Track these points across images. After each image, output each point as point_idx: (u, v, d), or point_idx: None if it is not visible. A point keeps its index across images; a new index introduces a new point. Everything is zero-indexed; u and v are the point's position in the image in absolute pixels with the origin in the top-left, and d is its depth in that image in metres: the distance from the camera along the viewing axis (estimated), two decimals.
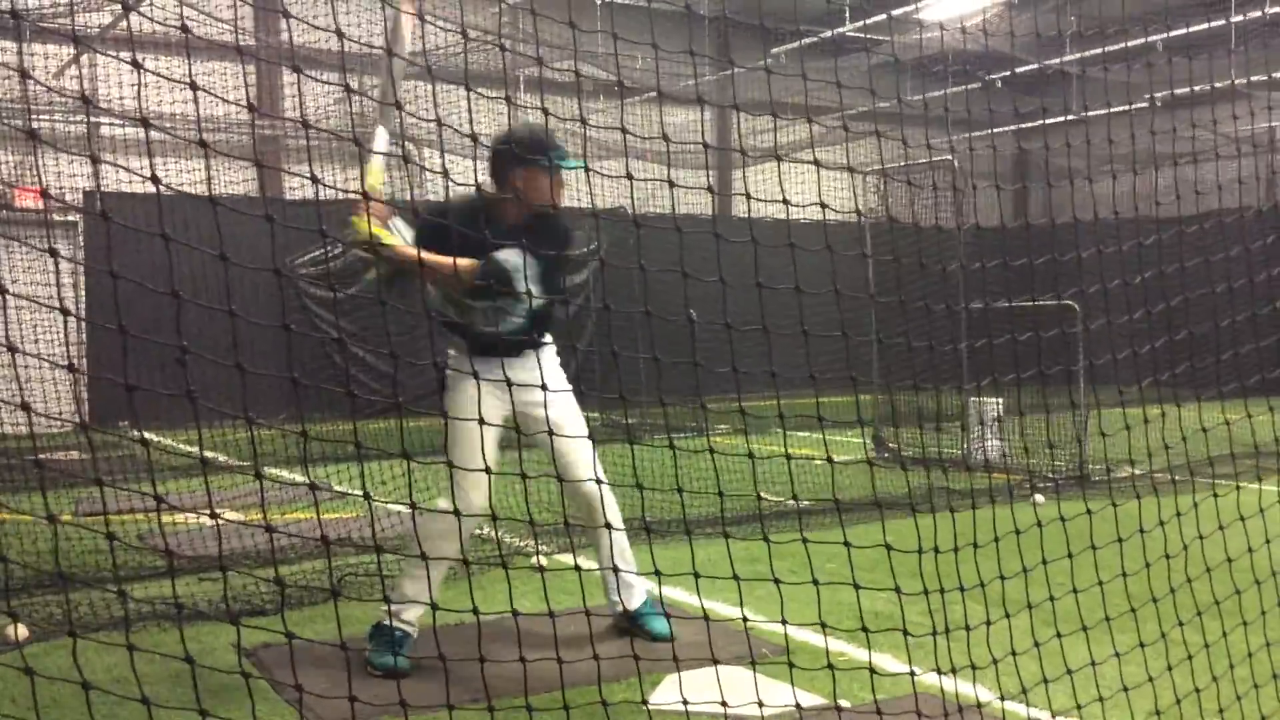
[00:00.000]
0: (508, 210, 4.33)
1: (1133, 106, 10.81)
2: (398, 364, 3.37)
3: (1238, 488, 4.25)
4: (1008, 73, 16.63)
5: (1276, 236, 5.77)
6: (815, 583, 3.11)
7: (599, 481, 4.07)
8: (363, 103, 13.75)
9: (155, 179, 2.15)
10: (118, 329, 2.19)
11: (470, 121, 3.02)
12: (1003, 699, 3.55)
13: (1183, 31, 14.71)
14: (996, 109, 15.54)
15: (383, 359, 13.74)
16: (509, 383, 3.25)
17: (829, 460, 3.42)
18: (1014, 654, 3.38)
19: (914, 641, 3.73)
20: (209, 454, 8.35)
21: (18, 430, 9.50)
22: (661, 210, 4.35)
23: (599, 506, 4.34)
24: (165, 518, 6.98)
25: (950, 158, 11.22)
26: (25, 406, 2.09)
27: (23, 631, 4.57)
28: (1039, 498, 7.84)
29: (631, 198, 3.26)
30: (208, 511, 2.40)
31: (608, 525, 4.35)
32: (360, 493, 2.50)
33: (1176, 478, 4.18)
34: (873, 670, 3.45)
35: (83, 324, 12.37)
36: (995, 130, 17.32)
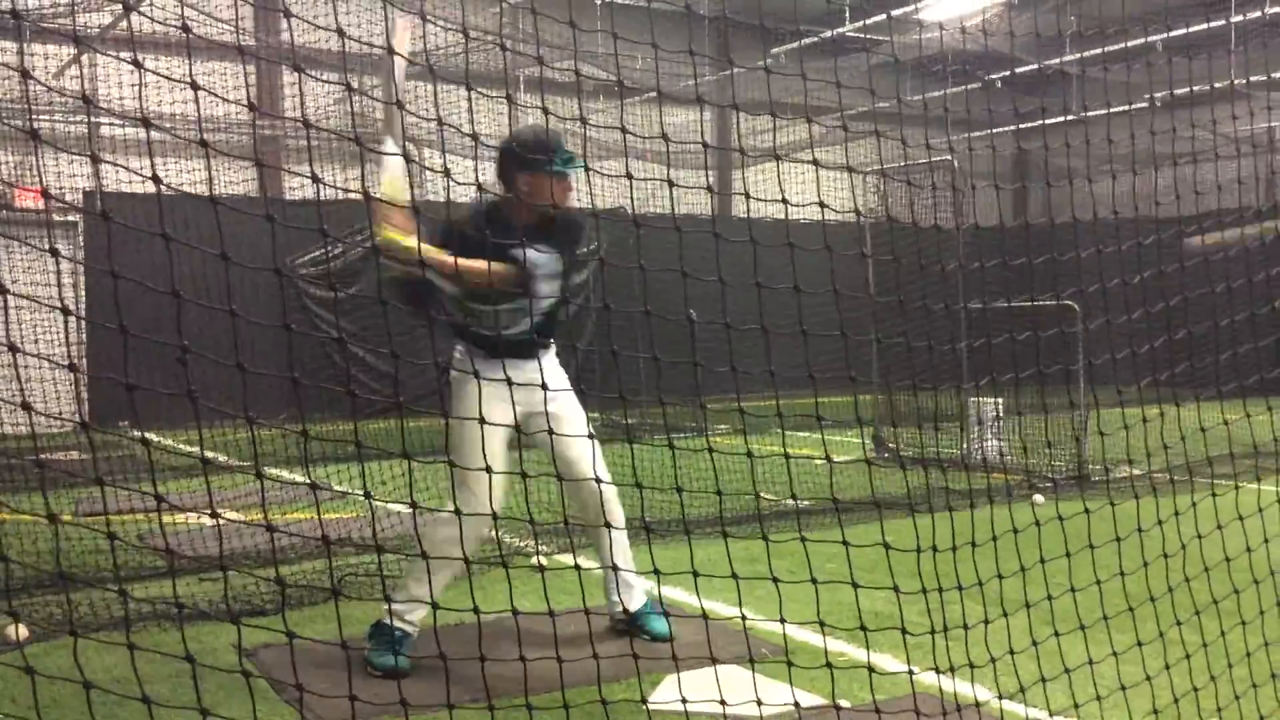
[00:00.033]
0: (520, 210, 4.32)
1: (1133, 106, 10.81)
2: (398, 364, 3.36)
3: (1236, 488, 4.26)
4: (1007, 73, 16.63)
5: (1276, 237, 5.77)
6: (814, 581, 3.12)
7: (599, 480, 4.07)
8: (363, 102, 13.77)
9: (156, 179, 2.15)
10: (118, 328, 2.20)
11: (471, 121, 3.03)
12: (1001, 698, 3.55)
13: (1183, 32, 14.71)
14: (996, 109, 15.54)
15: (383, 359, 13.75)
16: (511, 384, 3.24)
17: (827, 459, 3.42)
18: (1012, 653, 3.38)
19: (913, 641, 3.73)
20: (209, 454, 8.35)
21: (18, 430, 9.51)
22: (661, 210, 4.35)
23: (603, 506, 4.35)
24: (165, 518, 6.98)
25: (950, 158, 11.23)
26: (26, 406, 2.09)
27: (23, 632, 4.58)
28: (1038, 498, 7.85)
29: (631, 198, 3.26)
30: (208, 511, 2.40)
31: (607, 525, 4.36)
32: (361, 493, 2.50)
33: (1175, 478, 4.18)
34: (871, 669, 3.46)
35: (82, 325, 12.37)
36: (995, 130, 17.32)
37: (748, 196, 3.25)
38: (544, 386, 3.66)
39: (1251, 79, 14.56)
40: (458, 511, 3.38)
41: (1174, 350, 4.40)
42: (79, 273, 13.18)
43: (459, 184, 2.75)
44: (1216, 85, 11.18)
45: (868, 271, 9.85)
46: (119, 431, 11.20)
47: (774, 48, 16.04)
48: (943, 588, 3.24)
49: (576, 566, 4.62)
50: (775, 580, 3.02)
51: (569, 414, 4.41)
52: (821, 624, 3.20)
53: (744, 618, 3.38)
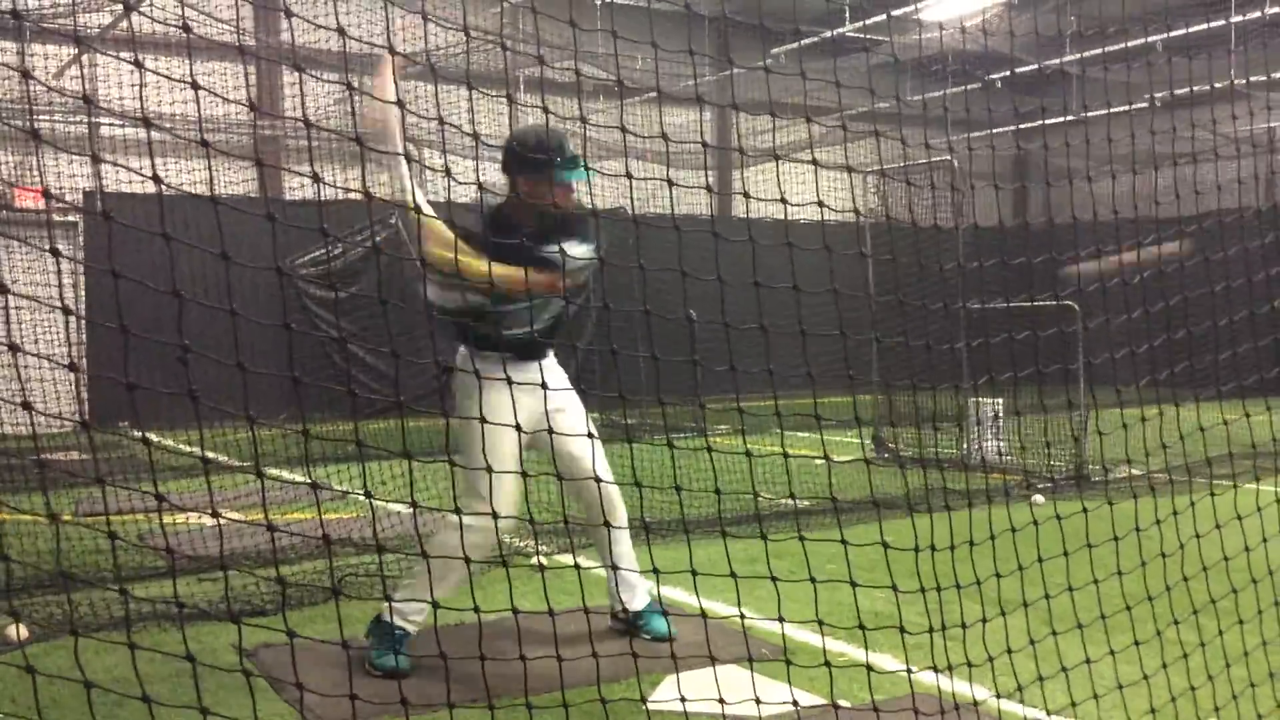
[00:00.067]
0: (524, 210, 4.32)
1: (1132, 107, 10.82)
2: (398, 364, 3.34)
3: (1235, 488, 4.26)
4: (1007, 73, 16.63)
5: (1276, 236, 5.77)
6: (812, 580, 3.12)
7: (598, 480, 4.07)
8: (363, 102, 13.75)
9: (157, 179, 2.15)
10: (119, 328, 2.20)
11: (472, 122, 3.03)
12: (999, 697, 3.55)
13: (1183, 32, 14.71)
14: (996, 109, 15.54)
15: (382, 359, 13.76)
16: (510, 384, 3.23)
17: (826, 458, 3.42)
18: (1010, 652, 3.39)
19: (911, 641, 3.73)
20: (209, 455, 8.36)
21: (18, 430, 9.51)
22: (661, 210, 4.35)
23: (604, 505, 4.35)
24: (166, 518, 6.98)
25: (949, 158, 11.23)
26: (27, 406, 2.10)
27: (23, 632, 4.58)
28: (1038, 498, 7.85)
29: (631, 198, 3.27)
30: (209, 510, 2.41)
31: (606, 524, 4.36)
32: (361, 493, 2.51)
33: (1174, 478, 4.19)
34: (869, 668, 3.46)
35: (82, 325, 12.37)
36: (995, 130, 17.32)
37: (747, 196, 3.25)
38: (544, 385, 3.66)
39: (1251, 79, 14.57)
40: (458, 510, 3.38)
41: (1173, 350, 4.41)
42: (79, 272, 13.19)
43: (459, 183, 2.75)
44: (1216, 85, 11.17)
45: (868, 272, 9.85)
46: (119, 431, 11.21)
47: (774, 48, 16.04)
48: (941, 587, 3.25)
49: (576, 566, 4.62)
50: (774, 579, 3.02)
51: (572, 412, 4.41)
52: (820, 623, 3.21)
53: (742, 616, 3.38)
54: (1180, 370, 4.17)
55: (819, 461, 8.83)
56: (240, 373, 2.29)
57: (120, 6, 10.97)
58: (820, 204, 3.33)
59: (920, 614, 3.42)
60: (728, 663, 3.79)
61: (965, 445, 9.72)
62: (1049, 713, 3.62)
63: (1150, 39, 15.04)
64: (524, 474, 3.35)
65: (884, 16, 13.73)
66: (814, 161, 3.39)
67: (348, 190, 2.74)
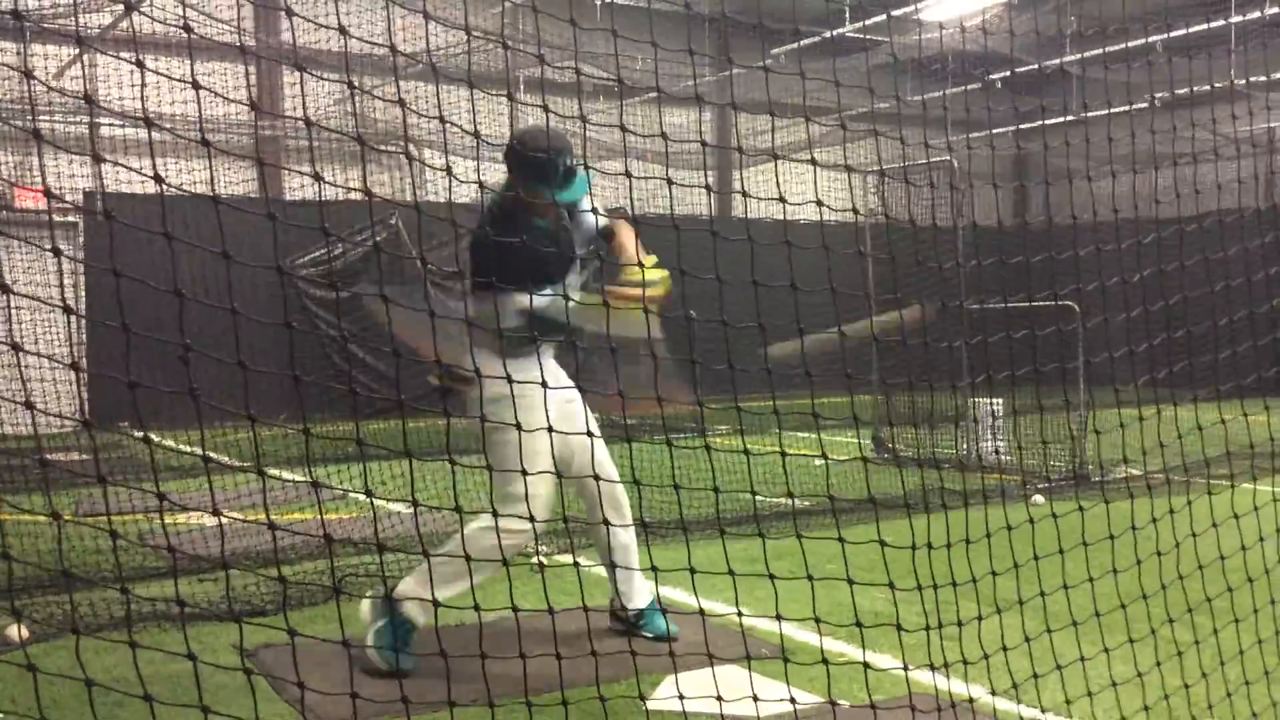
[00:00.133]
0: (547, 205, 4.31)
1: (1133, 107, 10.83)
2: (398, 364, 3.31)
3: (1232, 487, 4.27)
4: (1008, 73, 16.63)
5: (1275, 236, 5.78)
6: (810, 578, 3.13)
7: (597, 478, 4.07)
8: (363, 102, 13.77)
9: (158, 178, 2.16)
10: (120, 326, 2.21)
11: (474, 121, 3.04)
12: (994, 695, 3.56)
13: (1183, 32, 14.71)
14: (996, 109, 15.55)
15: (382, 359, 13.76)
16: (512, 383, 3.21)
17: (824, 457, 3.43)
18: (1005, 650, 3.40)
19: (909, 640, 3.74)
20: (210, 455, 8.37)
21: (18, 431, 9.52)
22: (661, 210, 4.36)
23: (609, 503, 4.35)
24: (166, 518, 6.99)
25: (949, 158, 11.23)
26: (29, 405, 2.10)
27: (24, 632, 4.58)
28: (1038, 498, 7.85)
29: (631, 198, 3.27)
30: (210, 509, 2.41)
31: (606, 522, 4.36)
32: (361, 492, 2.51)
33: (1173, 478, 4.20)
34: (867, 666, 3.46)
35: (83, 325, 12.38)
36: (995, 130, 17.33)
37: (746, 196, 3.26)
38: (544, 385, 3.66)
39: (1251, 79, 14.57)
40: (450, 510, 3.37)
41: (1173, 350, 4.41)
42: (79, 273, 13.20)
43: (460, 182, 2.75)
44: (1216, 85, 11.19)
45: (867, 271, 9.85)
46: (120, 431, 11.21)
47: (774, 48, 16.05)
48: (938, 585, 3.25)
49: (576, 566, 4.63)
50: (772, 577, 3.02)
51: (578, 410, 4.41)
52: (818, 620, 3.21)
53: (740, 614, 3.39)
54: (1179, 370, 4.18)
55: (819, 462, 8.84)
56: (241, 372, 2.29)
57: (121, 7, 10.98)
58: (819, 204, 3.33)
59: (918, 614, 3.42)
60: (727, 662, 3.79)
61: (965, 445, 9.72)
62: (1043, 710, 3.62)
63: (1150, 39, 15.05)
64: (523, 473, 3.35)
65: (884, 16, 13.73)
66: (813, 161, 3.40)
67: (349, 189, 2.74)
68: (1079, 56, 16.35)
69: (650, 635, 4.56)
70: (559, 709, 2.97)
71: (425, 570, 4.29)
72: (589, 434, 4.18)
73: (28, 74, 2.60)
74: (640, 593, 4.66)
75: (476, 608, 2.95)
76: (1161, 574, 3.64)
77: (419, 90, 12.83)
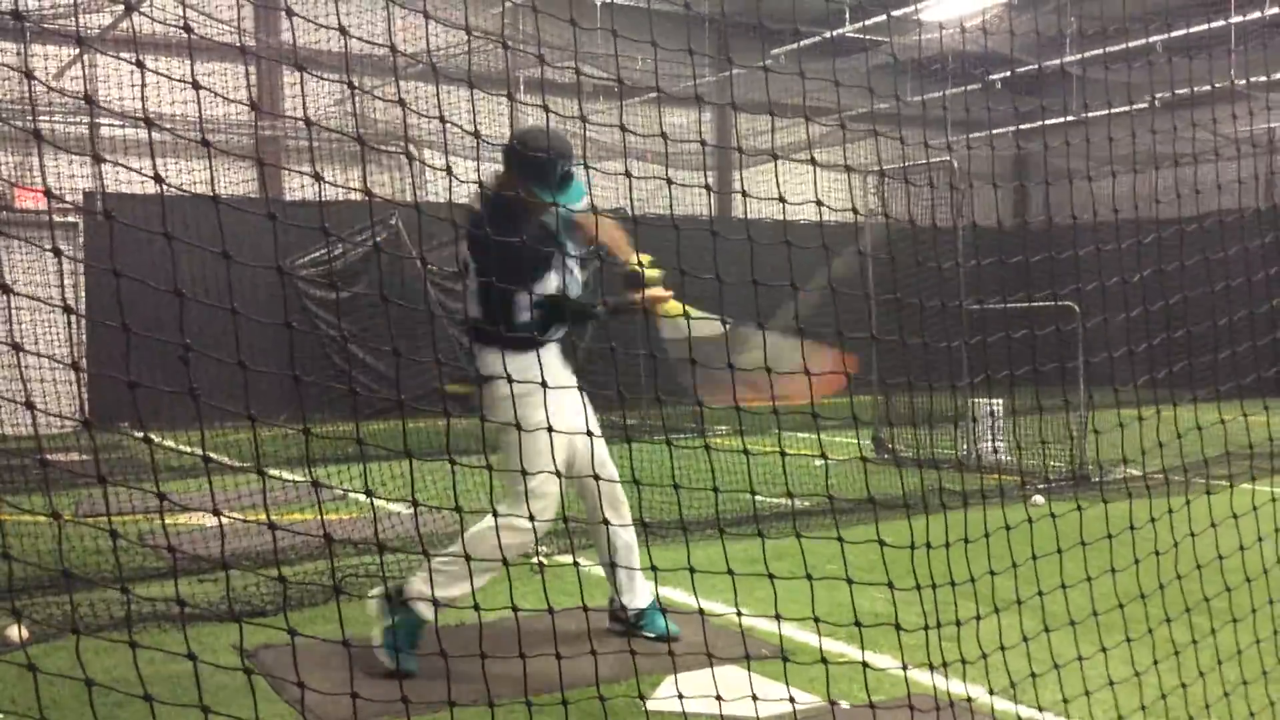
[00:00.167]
0: (543, 206, 4.32)
1: (1133, 107, 10.82)
2: (399, 364, 3.31)
3: (1231, 487, 4.27)
4: (1008, 73, 16.63)
5: (1275, 236, 5.78)
6: (809, 578, 3.13)
7: (597, 477, 4.07)
8: (363, 102, 13.76)
9: (159, 178, 2.16)
10: (121, 327, 2.21)
11: (474, 121, 3.04)
12: (992, 694, 3.56)
13: (1183, 32, 14.71)
14: (996, 109, 15.55)
15: (382, 359, 13.76)
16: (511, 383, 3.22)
17: (823, 457, 3.43)
18: (1003, 650, 3.40)
19: (907, 640, 3.74)
20: (210, 455, 8.38)
21: (18, 431, 9.52)
22: (661, 211, 4.36)
23: (609, 502, 4.35)
24: (167, 519, 6.99)
25: (949, 158, 11.23)
26: (29, 405, 2.10)
27: (24, 633, 4.58)
28: (1038, 499, 7.85)
29: (630, 198, 3.27)
30: (210, 510, 2.41)
31: (605, 522, 4.35)
32: (361, 492, 2.51)
33: (1172, 478, 4.20)
34: (866, 666, 3.46)
35: (83, 325, 12.38)
36: (995, 130, 17.32)
37: (745, 195, 3.26)
38: (544, 384, 3.66)
39: (1251, 79, 14.57)
40: (534, 519, 3.36)
41: (1172, 350, 4.41)
42: (79, 273, 13.20)
43: (460, 182, 2.75)
44: (1216, 85, 11.19)
45: (867, 271, 9.85)
46: (120, 431, 11.21)
47: (774, 48, 16.05)
48: (936, 585, 3.26)
49: (576, 566, 4.63)
50: (772, 578, 3.03)
51: (583, 408, 4.41)
52: (817, 621, 3.21)
53: (740, 614, 3.39)
54: (1179, 370, 4.18)
55: (818, 462, 8.84)
56: (241, 372, 2.29)
57: (121, 7, 10.98)
58: (819, 204, 3.33)
59: (917, 614, 3.42)
60: (726, 662, 3.80)
61: (965, 446, 9.72)
62: (1041, 710, 3.63)
63: (1150, 39, 15.05)
64: (523, 472, 3.35)
65: (884, 17, 13.74)
66: (813, 161, 3.40)
67: (349, 189, 2.74)
68: (1079, 57, 16.35)
69: (652, 635, 4.56)
70: (559, 709, 2.97)
71: (443, 567, 4.28)
72: (589, 434, 4.19)
73: (28, 74, 2.60)
74: (641, 593, 4.66)
75: (476, 607, 2.95)
76: (1160, 574, 3.64)
77: (419, 90, 12.83)
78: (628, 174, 2.98)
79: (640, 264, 4.24)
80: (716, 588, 3.76)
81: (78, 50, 12.28)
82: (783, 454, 3.34)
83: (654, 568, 3.41)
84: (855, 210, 3.88)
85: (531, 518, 3.47)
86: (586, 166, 4.28)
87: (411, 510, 2.97)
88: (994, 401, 9.73)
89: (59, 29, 11.50)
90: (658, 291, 4.26)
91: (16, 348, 2.24)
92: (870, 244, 10.15)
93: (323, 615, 5.10)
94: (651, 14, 3.27)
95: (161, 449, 10.31)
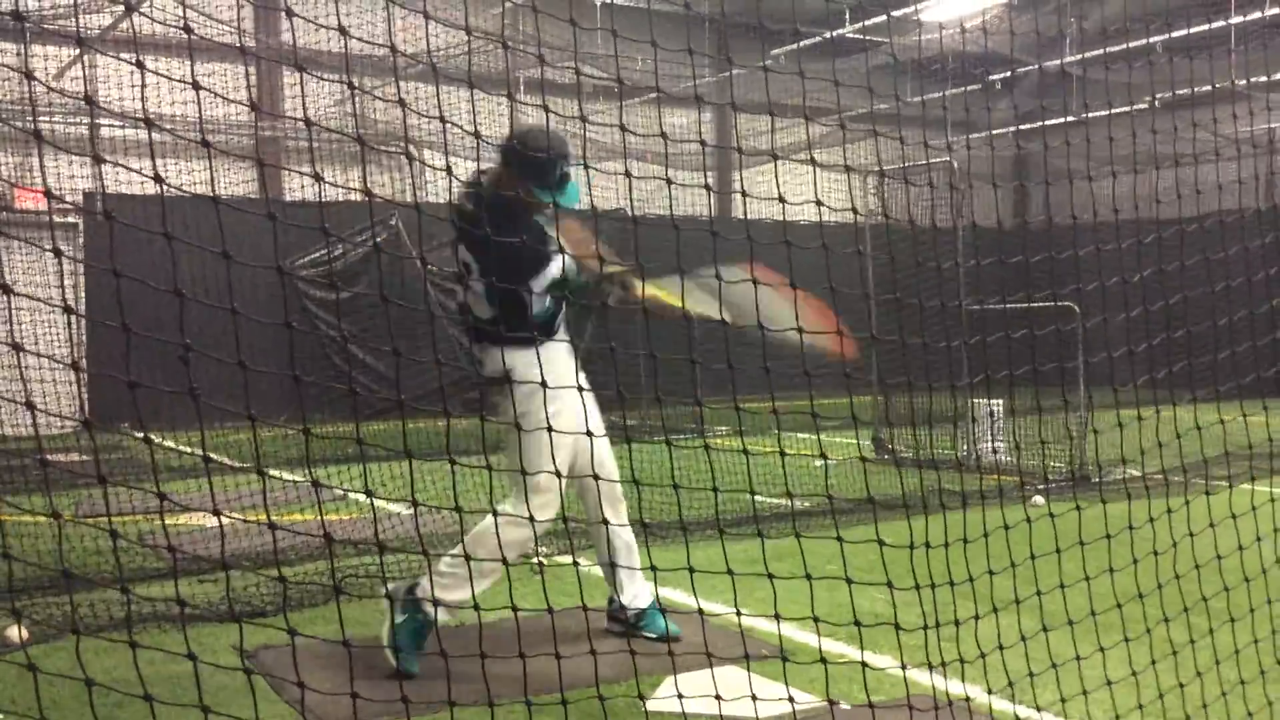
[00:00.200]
0: (540, 204, 4.34)
1: (1133, 107, 10.82)
2: (399, 364, 3.31)
3: (1230, 488, 4.27)
4: (1008, 73, 16.63)
5: (1275, 237, 5.78)
6: (809, 578, 3.13)
7: (597, 478, 4.07)
8: (363, 102, 13.76)
9: (158, 179, 2.16)
10: (121, 327, 2.21)
11: (474, 121, 3.04)
12: (990, 694, 3.57)
13: (1183, 33, 14.72)
14: (996, 109, 15.55)
15: (383, 359, 13.76)
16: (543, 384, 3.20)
17: (822, 457, 3.43)
18: (1001, 649, 3.40)
19: (907, 641, 3.74)
20: (210, 455, 8.38)
21: (18, 431, 9.52)
22: (661, 211, 4.36)
23: (608, 501, 4.35)
24: (166, 519, 6.99)
25: (949, 158, 11.24)
26: (30, 406, 2.10)
27: (24, 633, 4.58)
28: (1038, 499, 7.84)
29: (630, 198, 3.27)
30: (210, 510, 2.41)
31: (605, 521, 4.35)
32: (361, 492, 2.51)
33: (1171, 478, 4.20)
34: (866, 666, 3.47)
35: (83, 325, 12.38)
36: (995, 130, 17.33)
37: (745, 196, 3.26)
38: (543, 383, 3.65)
39: (1251, 79, 14.57)
40: (534, 516, 3.36)
41: (1172, 350, 4.41)
42: (79, 273, 13.20)
43: (460, 182, 2.75)
44: (1217, 86, 11.19)
45: (867, 272, 9.86)
46: (120, 431, 11.21)
47: (773, 49, 16.06)
48: (935, 585, 3.26)
49: (576, 566, 4.63)
50: (771, 578, 3.03)
51: (589, 405, 4.41)
52: (817, 621, 3.21)
53: (739, 613, 3.39)
54: (1179, 370, 4.18)
55: (818, 462, 8.84)
56: (241, 373, 2.30)
57: (121, 7, 10.98)
58: (819, 204, 3.33)
59: (917, 615, 3.42)
60: (726, 663, 3.80)
61: (965, 446, 9.72)
62: (1039, 709, 3.63)
63: (1150, 39, 15.05)
64: (523, 472, 3.36)
65: (884, 17, 13.74)
66: (813, 161, 3.40)
67: (349, 189, 2.75)
68: (1079, 57, 16.35)
69: (653, 636, 4.55)
70: (559, 709, 2.97)
71: (451, 571, 4.29)
72: (589, 434, 4.19)
73: (28, 75, 2.60)
74: (642, 593, 4.66)
75: (476, 607, 2.95)
76: (1158, 574, 3.64)
77: (419, 91, 12.82)
78: (628, 174, 2.98)
79: (605, 263, 4.21)
80: (716, 588, 3.76)
81: (78, 51, 12.28)
82: (782, 454, 3.34)
83: (654, 568, 3.41)
84: (855, 210, 3.88)
85: (532, 519, 3.47)
86: (586, 167, 4.28)
87: (411, 510, 2.98)
88: (994, 402, 9.72)
89: (59, 29, 11.50)
90: (639, 289, 4.24)
91: (16, 348, 2.25)
92: (870, 244, 10.15)
93: (323, 615, 5.10)
94: (651, 14, 3.27)
95: (162, 449, 10.31)
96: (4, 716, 3.80)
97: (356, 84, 2.72)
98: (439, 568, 4.26)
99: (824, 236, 3.14)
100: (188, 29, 2.29)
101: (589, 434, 3.49)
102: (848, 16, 15.86)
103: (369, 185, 4.40)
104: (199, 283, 9.11)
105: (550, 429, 3.04)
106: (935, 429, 9.69)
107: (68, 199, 12.84)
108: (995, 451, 9.56)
